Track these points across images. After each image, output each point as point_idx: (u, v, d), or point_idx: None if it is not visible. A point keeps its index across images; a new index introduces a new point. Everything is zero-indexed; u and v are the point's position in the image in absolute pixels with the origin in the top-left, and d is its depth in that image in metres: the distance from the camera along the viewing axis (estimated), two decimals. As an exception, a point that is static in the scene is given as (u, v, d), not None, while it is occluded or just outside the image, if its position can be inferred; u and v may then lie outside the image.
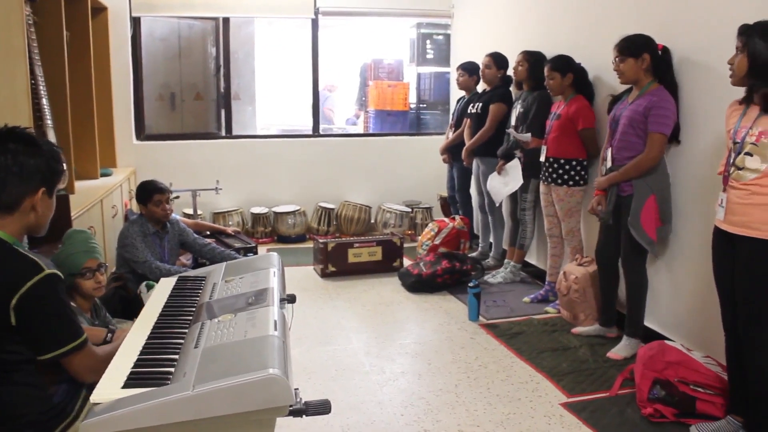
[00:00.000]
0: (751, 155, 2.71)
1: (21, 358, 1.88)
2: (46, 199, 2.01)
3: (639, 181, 3.73)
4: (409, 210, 7.23)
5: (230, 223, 6.66)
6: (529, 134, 4.94)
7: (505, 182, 5.22)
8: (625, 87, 3.93)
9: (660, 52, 3.74)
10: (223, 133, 7.18)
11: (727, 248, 2.88)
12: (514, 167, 5.10)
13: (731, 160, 2.81)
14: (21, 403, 1.89)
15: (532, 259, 5.56)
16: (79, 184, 4.79)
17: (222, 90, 7.18)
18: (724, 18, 3.39)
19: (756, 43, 2.66)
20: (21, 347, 1.87)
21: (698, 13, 3.62)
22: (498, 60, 5.63)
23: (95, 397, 1.58)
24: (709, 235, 3.06)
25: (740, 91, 2.87)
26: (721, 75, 3.36)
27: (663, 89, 3.69)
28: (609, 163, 3.88)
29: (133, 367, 1.72)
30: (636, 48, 3.69)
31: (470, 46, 6.58)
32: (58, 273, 1.90)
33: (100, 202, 4.58)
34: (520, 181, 5.06)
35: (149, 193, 4.29)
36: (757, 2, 3.17)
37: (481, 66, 5.73)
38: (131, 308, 3.41)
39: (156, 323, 2.04)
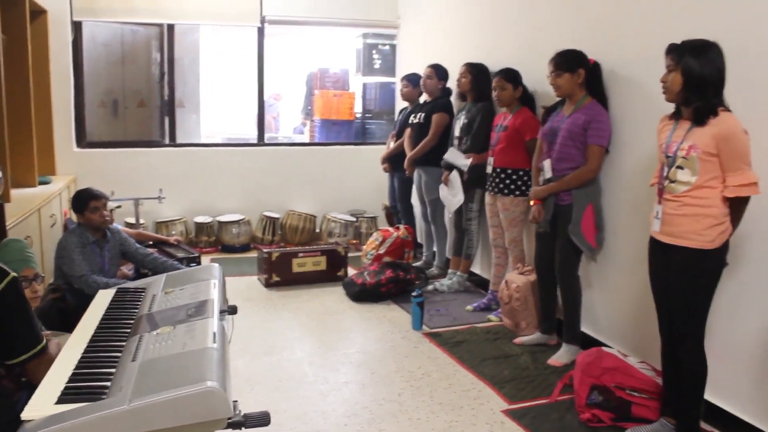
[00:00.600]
0: (682, 168, 2.82)
1: None
2: None
3: (577, 191, 3.86)
4: (354, 219, 7.24)
5: (173, 232, 6.57)
6: (468, 161, 5.03)
7: (453, 193, 5.30)
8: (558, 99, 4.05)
9: (591, 66, 3.89)
10: (167, 141, 7.08)
11: (662, 258, 2.99)
12: (455, 179, 5.18)
13: (664, 174, 2.91)
14: None
15: (476, 268, 5.63)
16: (15, 192, 4.65)
17: (166, 97, 7.08)
18: (649, 35, 3.59)
19: (688, 60, 2.76)
20: None
21: (625, 30, 3.81)
22: (439, 71, 5.71)
23: (27, 413, 1.54)
24: (641, 244, 3.17)
25: (664, 103, 2.98)
26: (646, 89, 3.55)
27: (597, 103, 3.86)
28: (548, 174, 3.98)
29: (67, 382, 1.69)
30: (572, 63, 3.84)
31: (415, 57, 6.65)
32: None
33: (37, 211, 4.47)
34: (462, 194, 5.15)
35: (85, 200, 4.20)
36: (678, 21, 3.36)
37: (422, 77, 5.79)
38: (69, 321, 3.33)
39: (93, 336, 2.00)
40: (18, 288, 1.88)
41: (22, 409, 1.93)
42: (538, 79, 4.52)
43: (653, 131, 3.21)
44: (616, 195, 3.93)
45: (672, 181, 2.87)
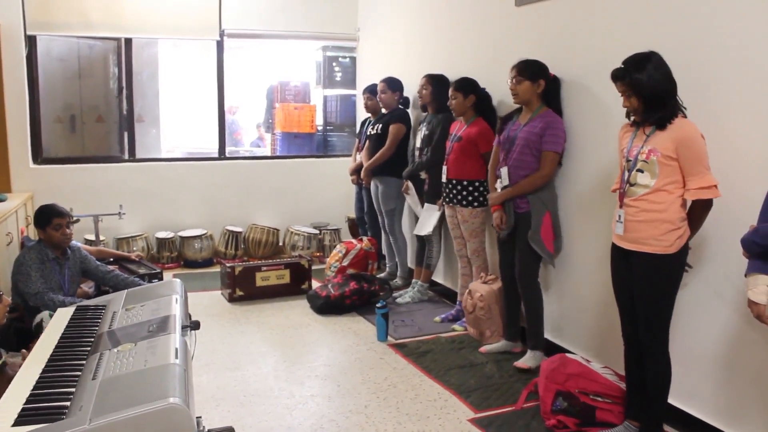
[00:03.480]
0: (642, 172, 2.88)
1: None
2: None
3: (534, 198, 3.95)
4: (317, 232, 7.21)
5: (134, 248, 6.48)
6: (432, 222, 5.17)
7: (415, 202, 5.33)
8: (517, 106, 4.12)
9: (551, 79, 3.98)
10: (127, 156, 6.97)
11: (622, 263, 3.05)
12: (413, 191, 5.25)
13: (625, 178, 2.97)
14: None
15: (438, 278, 5.65)
16: (-31, 211, 4.57)
17: (125, 112, 6.99)
18: (603, 48, 3.67)
19: (636, 78, 2.83)
20: None
21: (581, 43, 3.90)
22: (391, 84, 5.76)
23: (-18, 436, 1.52)
24: (600, 252, 3.22)
25: (618, 113, 3.04)
26: (600, 100, 3.65)
27: (552, 112, 3.94)
28: (506, 181, 4.05)
29: (25, 403, 1.66)
30: (534, 73, 3.92)
31: (376, 69, 6.67)
32: None
33: (-7, 229, 4.38)
34: (419, 205, 5.19)
35: (48, 216, 4.14)
36: (630, 33, 3.44)
37: (378, 92, 5.83)
38: (27, 340, 3.27)
39: (51, 355, 1.97)
40: None
41: None
42: (498, 89, 4.58)
43: (607, 141, 3.28)
44: (573, 203, 4.01)
45: (632, 185, 2.93)
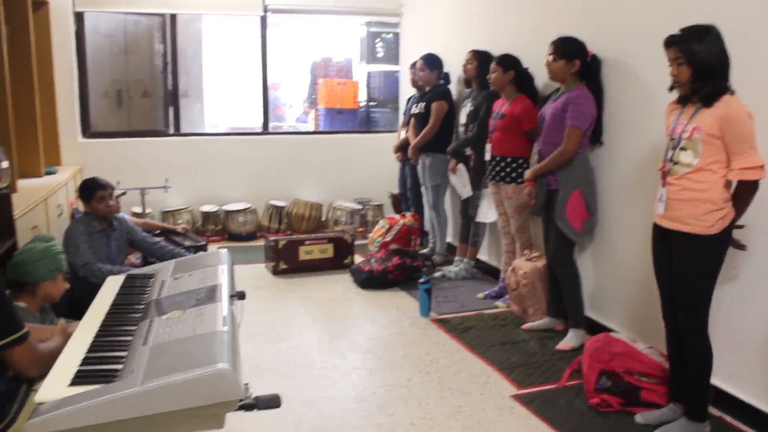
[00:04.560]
0: (685, 150, 2.81)
1: None
2: None
3: (563, 175, 3.93)
4: (360, 207, 7.24)
5: (180, 221, 6.57)
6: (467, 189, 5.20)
7: (463, 183, 5.29)
8: (553, 83, 4.10)
9: (589, 59, 3.94)
10: (172, 131, 7.07)
11: (663, 243, 2.98)
12: (462, 171, 5.20)
13: (669, 156, 2.89)
14: None
15: (483, 255, 5.62)
16: (21, 183, 4.65)
17: (170, 87, 7.08)
18: (651, 25, 3.56)
19: (693, 47, 2.73)
20: None
21: (628, 19, 3.80)
22: (429, 61, 5.74)
23: (40, 396, 1.55)
24: (643, 231, 3.16)
25: (662, 92, 2.96)
26: (645, 78, 3.54)
27: (583, 87, 3.91)
28: (537, 157, 4.02)
29: (80, 365, 1.70)
30: (569, 52, 3.90)
31: (419, 45, 6.62)
32: None
33: (44, 201, 4.47)
34: (469, 188, 5.16)
35: (91, 190, 4.21)
36: (679, 10, 3.34)
37: (416, 69, 5.80)
38: (78, 309, 3.34)
39: (104, 321, 2.01)
40: None
41: None
42: (542, 66, 4.49)
43: (651, 119, 3.19)
44: (617, 181, 3.94)
45: (675, 163, 2.86)
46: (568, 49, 3.90)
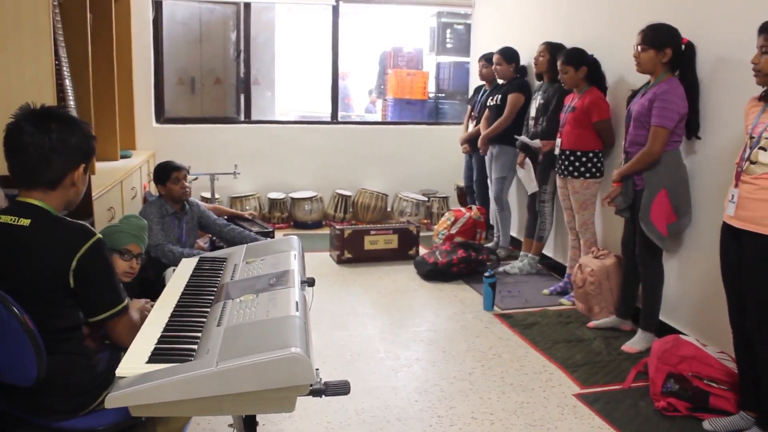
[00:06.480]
0: (765, 150, 2.70)
1: (72, 324, 1.98)
2: (84, 175, 2.08)
3: (650, 175, 3.72)
4: (426, 199, 7.23)
5: (247, 207, 6.69)
6: (538, 140, 4.98)
7: (530, 178, 5.22)
8: (641, 77, 3.88)
9: (684, 47, 3.68)
10: (242, 118, 7.21)
11: (733, 244, 2.88)
12: (530, 166, 5.14)
13: (746, 155, 2.79)
14: (70, 372, 1.97)
15: (548, 251, 5.55)
16: (99, 165, 4.81)
17: (242, 75, 7.20)
18: (752, 14, 3.31)
19: None
20: (74, 311, 1.97)
21: (726, 7, 3.56)
22: (507, 55, 5.66)
23: (120, 370, 1.61)
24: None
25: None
26: (744, 70, 3.33)
27: (674, 80, 3.65)
28: (624, 157, 3.88)
29: (157, 343, 1.75)
30: (660, 41, 3.64)
31: (491, 37, 6.56)
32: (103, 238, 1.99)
33: (119, 183, 4.62)
34: (535, 185, 5.09)
35: (167, 171, 4.31)
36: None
37: (493, 64, 5.75)
38: (150, 291, 3.44)
39: (178, 301, 2.07)
40: (102, 250, 1.96)
41: (102, 370, 2.03)
42: (620, 59, 4.38)
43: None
44: (709, 179, 3.71)
45: (753, 163, 2.75)
46: (658, 38, 3.62)
